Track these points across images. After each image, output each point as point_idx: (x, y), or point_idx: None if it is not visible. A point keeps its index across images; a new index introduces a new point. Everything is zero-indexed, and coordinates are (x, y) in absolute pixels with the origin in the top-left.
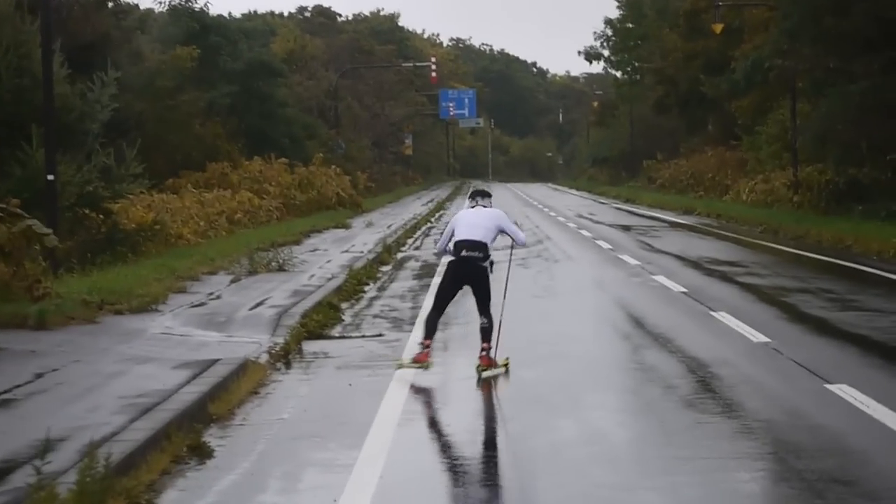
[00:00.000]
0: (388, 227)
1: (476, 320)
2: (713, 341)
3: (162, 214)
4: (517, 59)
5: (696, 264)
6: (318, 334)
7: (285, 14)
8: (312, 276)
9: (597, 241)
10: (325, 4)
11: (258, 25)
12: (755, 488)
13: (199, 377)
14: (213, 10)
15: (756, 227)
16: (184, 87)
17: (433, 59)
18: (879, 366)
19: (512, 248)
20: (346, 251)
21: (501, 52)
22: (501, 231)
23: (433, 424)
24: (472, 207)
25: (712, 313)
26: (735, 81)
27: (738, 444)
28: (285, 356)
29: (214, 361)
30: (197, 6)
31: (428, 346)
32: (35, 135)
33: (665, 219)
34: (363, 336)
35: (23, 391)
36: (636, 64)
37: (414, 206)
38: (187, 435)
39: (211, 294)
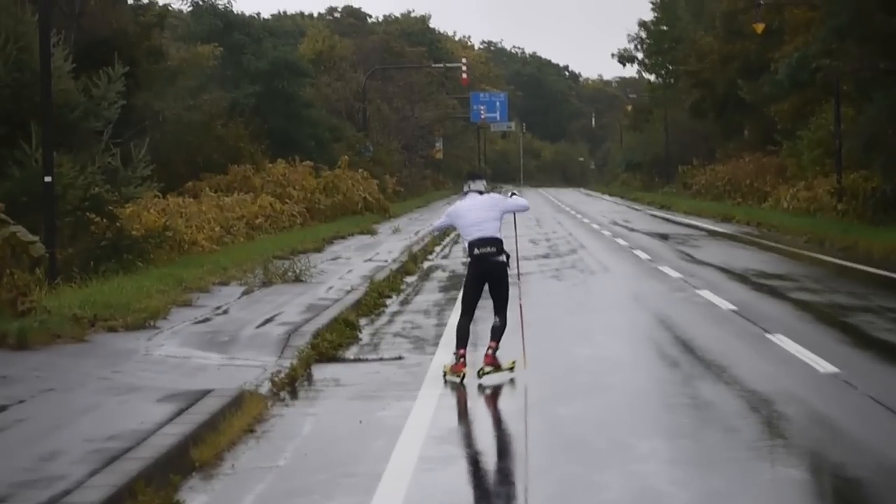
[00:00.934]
0: (416, 233)
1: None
2: (773, 370)
3: (173, 219)
4: (549, 62)
5: (742, 277)
6: (330, 356)
7: (315, 15)
8: (331, 287)
9: (634, 251)
10: (356, 5)
11: (287, 26)
12: None
13: (186, 413)
14: (243, 11)
15: (800, 236)
16: (206, 87)
17: (464, 61)
18: None
19: (514, 213)
20: (370, 260)
21: (533, 56)
22: (505, 213)
23: (454, 477)
24: (466, 194)
25: (768, 335)
26: (778, 83)
27: None
28: (291, 384)
29: (206, 392)
30: (221, 3)
31: (463, 356)
32: (35, 133)
33: (703, 227)
34: (381, 359)
35: None
36: (670, 67)
37: (443, 212)
38: (158, 492)
39: (218, 308)
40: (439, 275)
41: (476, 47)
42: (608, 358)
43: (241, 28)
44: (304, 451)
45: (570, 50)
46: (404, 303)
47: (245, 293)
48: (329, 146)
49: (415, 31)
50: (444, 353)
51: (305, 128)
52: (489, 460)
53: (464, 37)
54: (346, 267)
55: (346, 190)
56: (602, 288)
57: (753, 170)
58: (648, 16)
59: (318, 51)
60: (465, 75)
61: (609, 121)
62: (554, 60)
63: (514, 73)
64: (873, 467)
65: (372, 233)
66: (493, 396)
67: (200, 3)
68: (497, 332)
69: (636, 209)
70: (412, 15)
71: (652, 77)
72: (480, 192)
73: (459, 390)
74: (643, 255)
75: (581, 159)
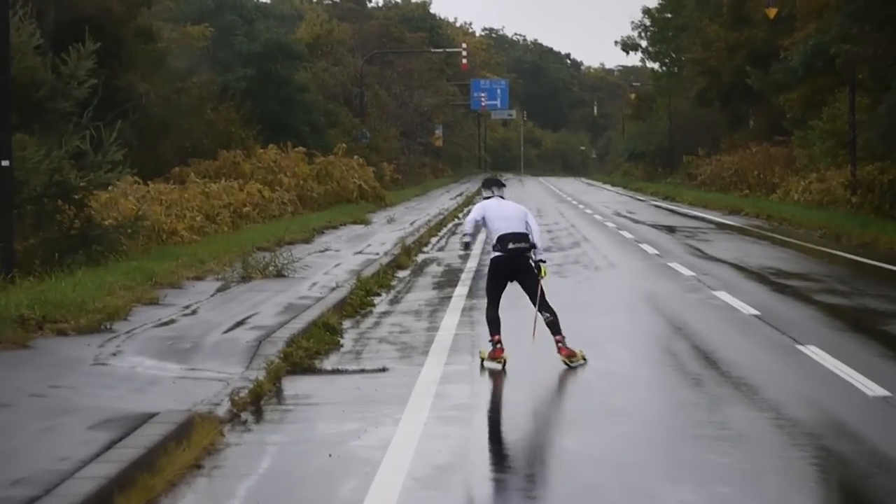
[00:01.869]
0: (412, 223)
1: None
2: (813, 392)
3: (144, 208)
4: (551, 50)
5: (759, 276)
6: (305, 367)
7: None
8: (314, 284)
9: (640, 245)
10: None
11: (286, 9)
12: None
13: (119, 445)
14: None
15: (814, 230)
16: (196, 69)
17: (464, 46)
18: None
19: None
20: (360, 252)
21: (535, 43)
22: (527, 224)
23: None
24: (489, 198)
25: (799, 347)
26: (792, 70)
27: None
28: (255, 402)
29: (150, 417)
30: None
31: (499, 342)
32: None
33: (711, 219)
34: (362, 370)
35: None
36: (675, 55)
37: (441, 201)
38: None
39: (186, 308)
40: (434, 269)
41: (477, 34)
42: (620, 374)
43: (233, 9)
44: (258, 496)
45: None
46: (394, 301)
47: (220, 290)
48: (324, 132)
49: (415, 16)
50: (434, 365)
51: (299, 113)
52: None
53: (465, 23)
54: (334, 260)
55: (340, 177)
56: (609, 287)
57: (761, 160)
58: (653, 3)
59: (315, 34)
60: (464, 60)
61: (611, 110)
62: (556, 48)
63: (516, 60)
64: None
65: (365, 222)
66: (488, 422)
67: None
68: (555, 326)
69: (639, 200)
70: (413, 0)
71: (655, 65)
72: (502, 198)
73: (448, 413)
74: (651, 250)
75: (582, 148)
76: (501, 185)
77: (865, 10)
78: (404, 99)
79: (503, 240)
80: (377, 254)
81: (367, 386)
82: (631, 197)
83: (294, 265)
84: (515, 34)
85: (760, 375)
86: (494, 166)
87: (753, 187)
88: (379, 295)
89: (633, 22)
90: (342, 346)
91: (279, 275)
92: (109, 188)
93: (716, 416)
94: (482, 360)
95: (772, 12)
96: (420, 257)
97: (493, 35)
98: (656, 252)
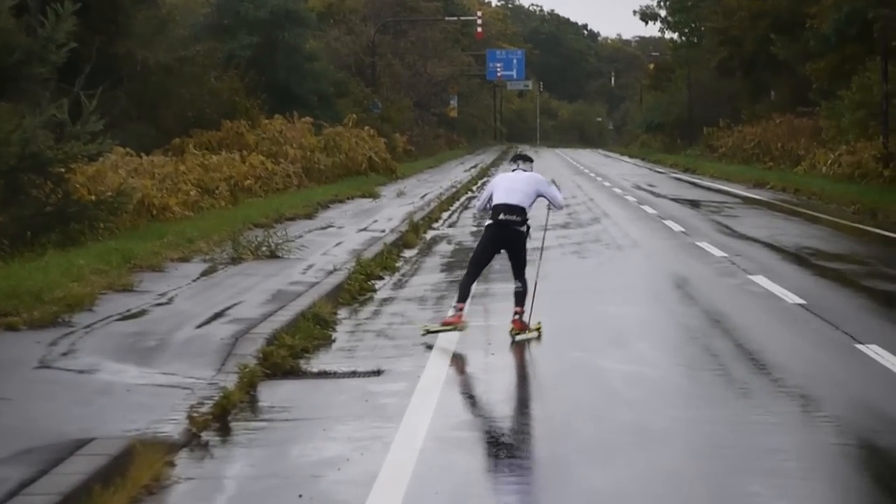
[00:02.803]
0: (422, 197)
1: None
2: (889, 407)
3: (129, 182)
4: (567, 20)
5: (797, 258)
6: (287, 369)
7: None
8: (310, 266)
9: (665, 222)
10: None
11: None
12: None
13: (34, 486)
14: None
15: (846, 205)
16: (199, 37)
17: (479, 14)
18: None
19: (549, 208)
20: (365, 229)
21: (552, 14)
22: (540, 195)
23: None
24: (513, 171)
25: (859, 347)
26: (825, 37)
27: None
28: (221, 418)
29: (79, 446)
30: None
31: (461, 310)
32: None
33: (736, 192)
34: (353, 373)
35: None
36: (695, 25)
37: (455, 173)
38: None
39: (162, 296)
40: (443, 248)
41: (493, 4)
42: (654, 381)
43: None
44: None
45: (589, 8)
46: (398, 286)
47: (204, 273)
48: (333, 102)
49: None
50: (437, 367)
51: (308, 82)
52: None
53: None
54: (336, 239)
55: (349, 149)
56: (634, 270)
57: (785, 132)
58: None
59: (328, 3)
60: (479, 29)
61: (628, 81)
62: (572, 19)
63: (532, 30)
64: None
65: (374, 196)
66: (499, 450)
67: None
68: (520, 297)
69: (659, 172)
70: None
71: (675, 35)
72: (525, 171)
73: (451, 434)
74: (676, 227)
75: (599, 119)
76: (528, 160)
77: None
78: (418, 69)
79: (496, 209)
80: (383, 231)
81: (356, 394)
82: (650, 169)
83: (290, 244)
84: (532, 4)
85: (819, 383)
86: (510, 137)
87: (777, 160)
88: (381, 279)
89: None
90: (334, 341)
91: (273, 255)
92: (100, 160)
93: (775, 440)
94: (426, 331)
95: None
96: (429, 234)
97: (510, 5)
98: (682, 229)
